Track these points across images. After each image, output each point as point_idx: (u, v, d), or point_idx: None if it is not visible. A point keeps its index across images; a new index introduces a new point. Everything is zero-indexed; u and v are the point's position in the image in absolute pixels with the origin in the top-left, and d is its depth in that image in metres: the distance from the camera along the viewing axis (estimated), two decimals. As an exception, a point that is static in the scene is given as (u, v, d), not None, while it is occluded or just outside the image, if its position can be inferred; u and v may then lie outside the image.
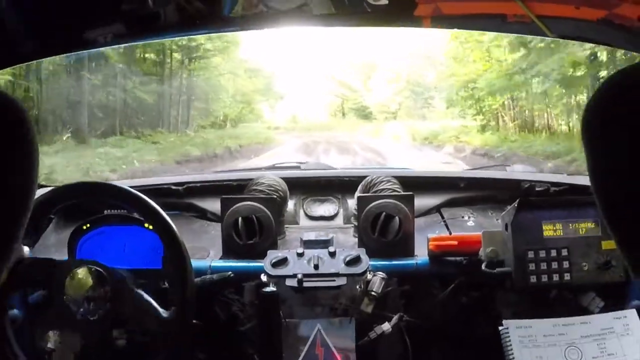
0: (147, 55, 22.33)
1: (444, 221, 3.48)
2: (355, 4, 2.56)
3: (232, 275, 2.77)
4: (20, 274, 2.27)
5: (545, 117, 21.96)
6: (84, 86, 18.70)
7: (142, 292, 2.33)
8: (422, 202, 3.49)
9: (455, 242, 2.92)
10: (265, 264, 2.82)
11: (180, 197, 3.60)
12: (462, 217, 3.49)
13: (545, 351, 2.66)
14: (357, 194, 3.34)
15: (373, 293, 2.79)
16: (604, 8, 2.38)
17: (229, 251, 3.12)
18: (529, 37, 13.50)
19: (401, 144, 27.50)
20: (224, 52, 25.80)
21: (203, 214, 3.59)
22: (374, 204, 3.10)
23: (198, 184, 3.67)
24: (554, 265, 2.73)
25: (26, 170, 1.22)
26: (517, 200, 2.78)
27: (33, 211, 1.28)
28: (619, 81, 1.24)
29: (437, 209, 3.60)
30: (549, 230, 2.77)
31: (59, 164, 13.96)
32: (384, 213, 3.06)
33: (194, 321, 2.45)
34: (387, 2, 2.46)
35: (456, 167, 16.77)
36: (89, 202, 2.85)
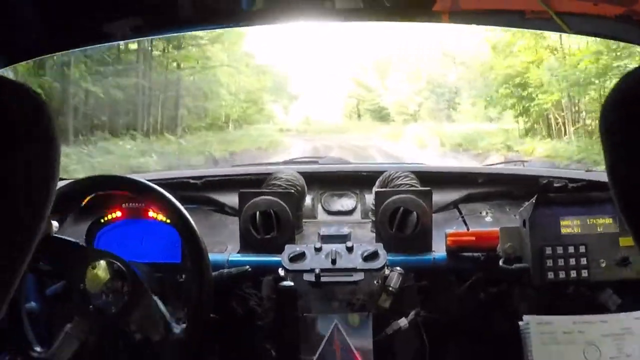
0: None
1: (462, 217, 3.47)
2: (374, -1, 2.56)
3: (249, 269, 2.77)
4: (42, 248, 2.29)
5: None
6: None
7: (159, 300, 2.34)
8: (440, 197, 3.49)
9: (473, 238, 2.91)
10: (282, 258, 2.84)
11: (199, 191, 3.60)
12: (480, 212, 3.48)
13: (565, 349, 2.66)
14: (375, 188, 3.34)
15: (390, 288, 2.79)
16: (623, 4, 2.37)
17: (246, 245, 3.13)
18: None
19: (429, 150, 24.95)
20: (219, 41, 23.34)
21: (221, 208, 3.59)
22: (391, 199, 3.10)
23: (216, 178, 3.67)
24: (572, 261, 2.73)
25: (48, 162, 1.23)
26: (535, 196, 2.77)
27: (54, 203, 1.29)
28: (635, 78, 1.23)
29: (454, 204, 3.59)
30: (567, 226, 2.77)
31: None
32: (401, 208, 3.07)
33: (211, 315, 2.45)
34: (406, -3, 2.47)
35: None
36: (108, 195, 2.86)
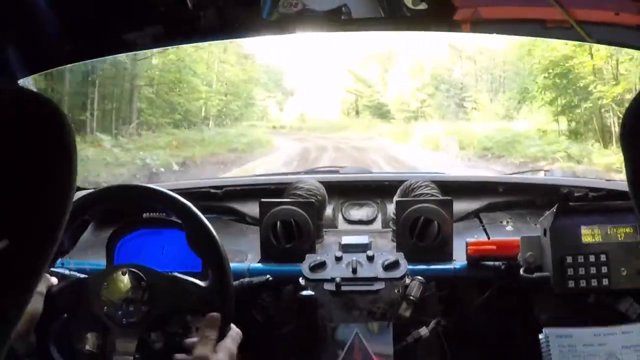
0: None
1: (483, 226, 3.47)
2: (394, 8, 2.57)
3: (270, 278, 2.77)
4: (54, 301, 2.28)
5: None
6: None
7: (176, 273, 2.34)
8: (461, 206, 3.49)
9: (494, 247, 2.91)
10: (303, 267, 2.84)
11: (219, 201, 3.61)
12: (501, 221, 3.48)
13: (585, 361, 2.66)
14: (396, 198, 3.34)
15: (411, 297, 2.79)
16: (644, 13, 2.37)
17: (267, 255, 3.14)
18: None
19: (447, 156, 20.00)
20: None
21: (242, 218, 3.61)
22: (412, 208, 3.11)
23: (237, 188, 3.68)
24: (592, 270, 2.72)
25: (65, 172, 1.23)
26: (556, 206, 2.77)
27: (71, 214, 1.29)
28: None
29: (475, 213, 3.59)
30: (588, 235, 2.76)
31: None
32: (422, 217, 3.07)
33: (232, 324, 2.45)
34: (426, 6, 2.47)
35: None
36: (127, 205, 2.86)
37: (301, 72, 33.87)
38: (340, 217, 3.65)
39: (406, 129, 28.93)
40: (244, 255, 3.17)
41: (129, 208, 2.96)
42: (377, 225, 3.62)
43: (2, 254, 1.12)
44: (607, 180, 3.65)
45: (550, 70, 18.39)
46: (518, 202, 3.61)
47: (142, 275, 2.27)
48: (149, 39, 2.62)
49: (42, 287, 2.19)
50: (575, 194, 3.44)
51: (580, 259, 2.72)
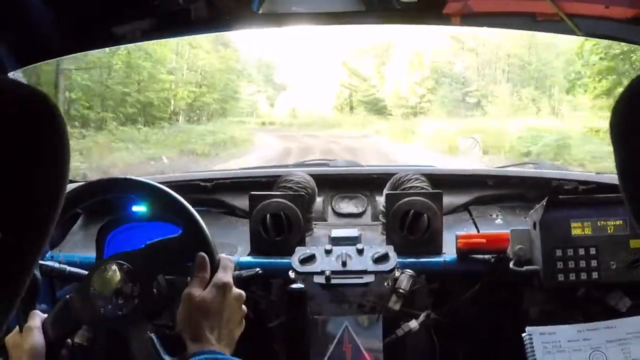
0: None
1: (472, 219, 3.48)
2: (384, 1, 2.56)
3: (260, 271, 2.76)
4: (53, 332, 2.28)
5: None
6: None
7: (155, 339, 2.32)
8: (451, 199, 3.50)
9: (484, 240, 2.92)
10: (293, 260, 2.85)
11: (209, 193, 3.61)
12: (491, 215, 3.49)
13: (569, 356, 2.66)
14: (386, 191, 3.34)
15: (401, 290, 2.79)
16: (634, 7, 2.38)
17: (257, 248, 3.14)
18: None
19: (472, 160, 15.54)
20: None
21: (231, 211, 3.61)
22: (402, 201, 3.11)
23: (227, 181, 3.68)
24: (582, 263, 2.73)
25: (58, 164, 1.23)
26: (546, 199, 2.77)
27: (63, 206, 1.29)
28: None
29: (465, 206, 3.60)
30: (577, 228, 2.77)
31: None
32: (412, 210, 3.07)
33: None
34: (416, -1, 2.47)
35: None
36: (117, 198, 2.86)
37: (293, 66, 32.99)
38: (330, 210, 3.64)
39: (406, 125, 27.62)
40: (234, 248, 3.17)
41: (119, 201, 2.95)
42: (367, 218, 3.62)
43: None
44: (596, 173, 3.65)
45: (605, 53, 16.03)
46: (508, 195, 3.62)
47: (123, 262, 2.26)
48: (139, 32, 2.62)
49: (36, 323, 2.18)
50: (565, 187, 3.45)
51: (570, 252, 2.73)
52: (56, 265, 2.58)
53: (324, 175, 3.70)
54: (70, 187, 1.57)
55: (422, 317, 2.89)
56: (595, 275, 2.72)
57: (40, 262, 2.53)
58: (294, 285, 2.66)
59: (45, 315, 2.25)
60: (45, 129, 1.21)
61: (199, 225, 2.26)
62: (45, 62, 2.94)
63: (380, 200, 3.43)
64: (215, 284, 2.12)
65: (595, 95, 18.14)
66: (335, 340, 2.81)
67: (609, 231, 2.76)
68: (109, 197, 2.59)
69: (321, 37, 29.60)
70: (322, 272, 2.77)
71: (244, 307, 2.20)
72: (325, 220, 3.57)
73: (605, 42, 15.54)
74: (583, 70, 19.43)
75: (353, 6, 2.59)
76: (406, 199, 3.11)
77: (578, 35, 2.60)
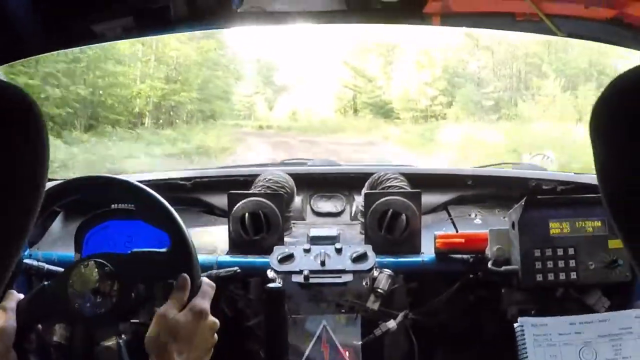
0: None
1: (451, 219, 3.48)
2: (365, 0, 2.56)
3: (238, 270, 2.77)
4: (26, 314, 2.27)
5: None
6: None
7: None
8: (429, 199, 3.49)
9: (462, 240, 2.92)
10: (271, 259, 2.84)
11: (188, 192, 3.60)
12: (469, 215, 3.50)
13: (560, 350, 2.67)
14: (364, 190, 3.34)
15: (379, 290, 2.80)
16: (614, 7, 2.38)
17: (235, 246, 3.13)
18: None
19: None
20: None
21: (210, 209, 3.61)
22: (381, 200, 3.11)
23: (205, 179, 3.67)
24: (561, 263, 2.74)
25: (37, 163, 1.23)
26: (524, 199, 2.78)
27: (41, 204, 1.28)
28: (626, 81, 1.24)
29: (444, 206, 3.60)
30: (556, 228, 2.78)
31: None
32: (391, 210, 3.07)
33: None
34: (397, -1, 2.47)
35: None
36: (96, 196, 2.85)
37: (293, 67, 30.87)
38: (308, 209, 3.65)
39: (419, 130, 25.14)
40: (213, 247, 3.16)
41: (97, 199, 2.94)
42: (346, 217, 3.62)
43: None
44: (575, 173, 3.66)
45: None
46: (487, 195, 3.62)
47: (105, 262, 2.25)
48: (119, 30, 2.60)
49: (10, 303, 2.17)
50: (544, 187, 3.46)
51: (549, 252, 2.74)
52: (34, 263, 2.58)
53: (303, 175, 3.69)
54: (49, 184, 1.56)
55: (400, 316, 2.90)
56: (573, 275, 2.73)
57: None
58: (271, 285, 2.66)
59: (21, 296, 2.25)
60: (24, 126, 1.20)
61: (187, 245, 2.25)
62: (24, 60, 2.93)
63: (359, 199, 3.43)
64: (192, 308, 2.11)
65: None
66: (314, 340, 2.82)
67: (588, 231, 2.78)
68: (88, 195, 2.57)
69: (322, 35, 26.81)
70: (300, 272, 2.77)
71: (215, 335, 2.18)
72: (304, 220, 3.56)
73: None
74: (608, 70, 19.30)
75: (333, 5, 2.59)
76: (385, 199, 3.11)
77: (558, 35, 2.60)
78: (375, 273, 2.84)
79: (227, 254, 3.11)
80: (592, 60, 22.32)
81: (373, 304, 2.80)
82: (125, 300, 2.25)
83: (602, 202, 1.26)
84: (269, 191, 3.24)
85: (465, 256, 2.94)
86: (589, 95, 20.35)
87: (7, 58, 2.70)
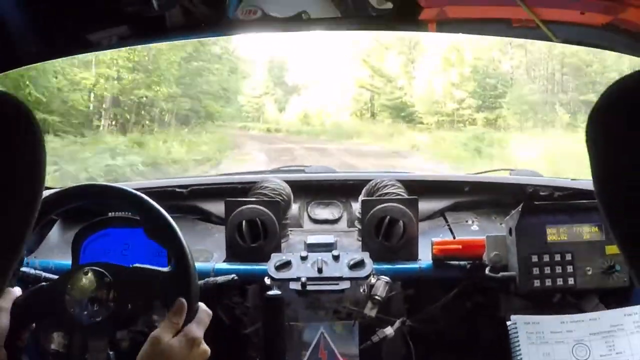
0: None
1: (448, 225, 3.48)
2: (359, 7, 2.56)
3: (235, 278, 2.77)
4: (21, 313, 2.26)
5: None
6: None
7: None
8: (426, 206, 3.48)
9: (459, 246, 2.93)
10: (269, 267, 2.84)
11: (185, 200, 3.59)
12: (466, 221, 3.50)
13: (553, 348, 2.67)
14: (361, 197, 3.34)
15: (377, 297, 2.79)
16: (610, 13, 2.39)
17: (232, 254, 3.12)
18: None
19: None
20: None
21: (207, 217, 3.59)
22: (378, 207, 3.11)
23: (202, 187, 3.67)
24: (558, 269, 2.75)
25: (34, 172, 1.23)
26: (521, 205, 2.79)
27: (38, 212, 1.28)
28: (622, 87, 1.24)
29: (441, 213, 3.60)
30: (553, 234, 2.78)
31: None
32: (388, 217, 3.07)
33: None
34: (391, 5, 2.46)
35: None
36: (93, 204, 2.85)
37: (306, 65, 29.19)
38: (305, 216, 3.64)
39: (456, 139, 22.00)
40: (210, 254, 3.16)
41: (95, 207, 2.94)
42: (343, 224, 3.61)
43: None
44: (572, 179, 3.66)
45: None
46: (484, 201, 3.62)
47: (105, 272, 2.25)
48: (114, 38, 2.61)
49: (5, 303, 2.17)
50: (541, 193, 3.45)
51: (546, 258, 2.75)
52: (32, 271, 2.58)
53: (300, 182, 3.69)
54: (45, 193, 1.56)
55: (397, 323, 2.90)
56: (571, 281, 2.74)
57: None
58: (271, 292, 2.66)
59: (18, 293, 2.25)
60: (21, 136, 1.21)
61: (189, 268, 2.25)
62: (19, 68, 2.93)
63: (356, 206, 3.42)
64: (186, 334, 2.10)
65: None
66: (311, 347, 2.82)
67: (585, 237, 2.78)
68: (85, 203, 2.57)
69: (338, 32, 24.57)
70: (297, 279, 2.77)
71: None
72: (301, 227, 3.56)
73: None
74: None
75: (329, 12, 2.59)
76: (382, 205, 3.11)
77: (553, 41, 2.61)
78: (373, 280, 2.83)
79: (224, 261, 3.10)
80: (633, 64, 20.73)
81: (370, 311, 2.80)
82: (122, 310, 2.25)
83: (599, 208, 1.27)
84: (266, 198, 3.24)
85: (462, 262, 2.95)
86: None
87: (4, 67, 2.71)
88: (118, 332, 2.34)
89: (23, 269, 2.60)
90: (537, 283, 2.74)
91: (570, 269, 2.75)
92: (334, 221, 3.61)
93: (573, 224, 2.79)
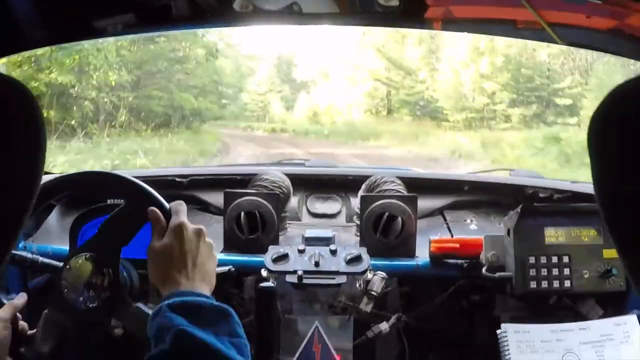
0: None
1: (447, 224, 3.48)
2: (365, 3, 2.56)
3: (232, 269, 2.77)
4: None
5: None
6: None
7: (142, 305, 2.32)
8: (425, 203, 3.50)
9: (457, 245, 2.93)
10: (266, 259, 2.84)
11: (184, 189, 3.60)
12: (465, 220, 3.50)
13: (543, 357, 2.67)
14: (361, 193, 3.34)
15: (373, 292, 2.80)
16: (615, 18, 2.39)
17: (230, 245, 3.14)
18: None
19: None
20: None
21: (206, 207, 3.61)
22: (377, 203, 3.11)
23: (202, 177, 3.67)
24: (555, 271, 2.74)
25: (33, 155, 1.23)
26: (520, 206, 2.78)
27: (37, 197, 1.29)
28: (623, 92, 1.24)
29: (440, 211, 3.60)
30: (551, 236, 2.78)
31: None
32: (386, 213, 3.08)
33: None
34: (397, 3, 2.46)
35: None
36: (90, 191, 2.85)
37: (315, 59, 26.20)
38: (304, 209, 3.65)
39: (518, 140, 18.62)
40: None
41: (92, 194, 2.95)
42: (341, 219, 3.63)
43: None
44: (572, 182, 3.66)
45: None
46: (483, 201, 3.62)
47: (89, 252, 2.27)
48: (120, 26, 2.61)
49: (5, 313, 2.18)
50: (540, 195, 3.45)
51: (543, 259, 2.75)
52: (29, 255, 2.58)
53: (300, 175, 3.69)
54: (45, 178, 1.56)
55: (393, 319, 2.90)
56: (567, 283, 2.74)
57: (13, 251, 2.52)
58: (264, 284, 2.66)
59: (20, 303, 2.26)
60: (21, 119, 1.21)
61: (139, 187, 2.27)
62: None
63: (355, 201, 3.42)
64: (171, 229, 2.11)
65: None
66: (305, 340, 2.81)
67: (583, 240, 2.78)
68: (81, 191, 2.58)
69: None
70: (294, 272, 2.78)
71: (208, 240, 2.19)
72: (300, 220, 3.57)
73: None
74: None
75: (334, 8, 2.58)
76: (381, 202, 3.11)
77: (558, 44, 2.61)
78: (369, 275, 2.84)
79: (221, 252, 3.11)
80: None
81: (366, 306, 2.80)
82: (120, 281, 2.26)
83: (599, 212, 1.27)
84: (265, 191, 3.24)
85: (459, 261, 2.95)
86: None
87: (6, 51, 2.71)
88: (113, 318, 2.35)
89: (21, 253, 2.59)
90: (533, 284, 2.74)
91: (567, 271, 2.75)
92: (333, 215, 3.61)
93: (571, 227, 2.79)
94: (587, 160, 1.28)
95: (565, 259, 2.75)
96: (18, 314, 2.25)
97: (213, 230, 3.22)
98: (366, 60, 24.41)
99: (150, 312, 2.19)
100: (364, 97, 24.46)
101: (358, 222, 3.25)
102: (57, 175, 2.42)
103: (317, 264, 2.81)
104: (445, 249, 2.94)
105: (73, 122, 15.52)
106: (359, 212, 3.21)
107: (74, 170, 2.62)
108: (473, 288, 3.04)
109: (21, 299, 2.30)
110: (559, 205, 3.20)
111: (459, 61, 21.61)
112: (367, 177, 3.45)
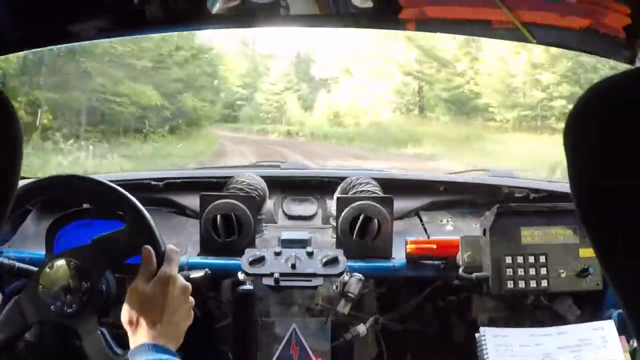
0: None
1: (423, 225, 3.49)
2: (340, 5, 2.56)
3: (209, 272, 2.76)
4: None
5: None
6: None
7: (105, 333, 2.31)
8: (401, 204, 3.49)
9: (434, 246, 2.93)
10: (242, 262, 2.84)
11: (160, 193, 3.59)
12: (441, 221, 3.50)
13: (521, 361, 2.68)
14: (337, 194, 3.34)
15: (350, 294, 2.80)
16: (589, 17, 2.40)
17: (206, 248, 3.13)
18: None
19: None
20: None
21: (182, 210, 3.59)
22: (353, 205, 3.11)
23: (178, 180, 3.66)
24: (532, 271, 2.75)
25: (9, 160, 1.22)
26: (496, 206, 2.79)
27: (15, 201, 1.27)
28: (598, 91, 1.25)
29: (416, 212, 3.60)
30: (528, 236, 2.78)
31: None
32: (362, 215, 3.07)
33: None
34: (372, 4, 2.46)
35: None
36: (68, 195, 2.84)
37: (336, 53, 24.13)
38: (280, 212, 3.65)
39: None
40: (184, 248, 3.15)
41: (70, 198, 2.93)
42: (318, 221, 3.64)
43: None
44: (548, 181, 3.67)
45: None
46: (459, 201, 3.63)
47: (73, 259, 2.25)
48: (93, 30, 2.60)
49: None
50: (516, 195, 3.47)
51: (520, 259, 2.75)
52: (5, 261, 2.57)
53: (275, 177, 3.69)
54: (20, 183, 1.55)
55: (370, 321, 2.91)
56: (544, 283, 2.74)
57: None
58: (242, 287, 2.65)
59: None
60: None
61: (143, 217, 2.27)
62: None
63: (331, 203, 3.42)
64: (159, 277, 2.11)
65: None
66: (283, 343, 2.81)
67: (560, 240, 2.79)
68: (56, 194, 2.57)
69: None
70: (271, 274, 2.78)
71: (191, 299, 2.18)
72: (276, 223, 3.57)
73: None
74: None
75: (310, 9, 2.58)
76: (357, 203, 3.11)
77: (533, 43, 2.61)
78: (346, 277, 2.84)
79: (197, 255, 3.11)
80: None
81: (343, 308, 2.81)
82: (97, 297, 2.25)
83: (575, 211, 1.27)
84: (241, 193, 3.24)
85: (436, 262, 2.96)
86: None
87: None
88: (90, 322, 2.34)
89: None
90: (510, 284, 2.74)
91: (543, 271, 2.75)
92: (309, 217, 3.62)
93: (548, 226, 2.79)
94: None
95: (542, 259, 2.75)
96: None
97: (189, 234, 3.23)
98: (394, 52, 22.44)
99: (108, 350, 2.20)
100: (392, 94, 22.50)
101: (334, 224, 3.25)
102: (33, 180, 2.40)
103: (293, 266, 2.81)
104: (421, 250, 2.94)
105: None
106: (335, 214, 3.21)
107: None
108: (450, 289, 3.05)
109: None
110: (535, 204, 3.21)
111: (505, 48, 19.40)
112: (343, 178, 3.45)
